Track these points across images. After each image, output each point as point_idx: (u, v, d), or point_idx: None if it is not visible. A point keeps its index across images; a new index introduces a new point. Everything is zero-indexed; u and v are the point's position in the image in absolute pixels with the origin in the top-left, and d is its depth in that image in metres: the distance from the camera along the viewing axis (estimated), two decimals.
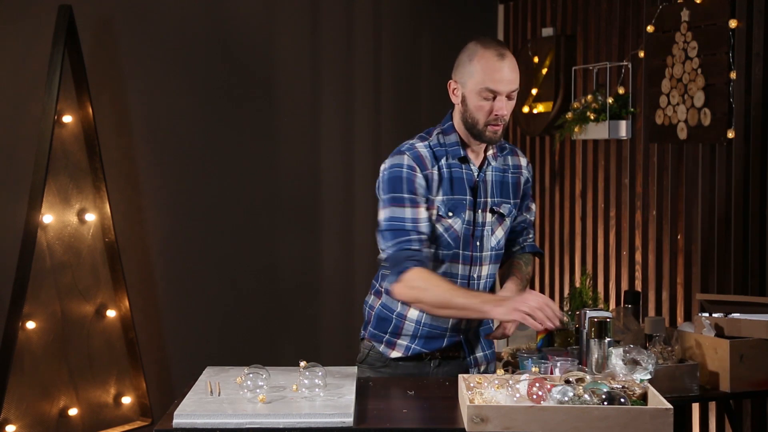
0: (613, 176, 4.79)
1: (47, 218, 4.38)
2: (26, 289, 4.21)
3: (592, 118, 4.65)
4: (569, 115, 4.82)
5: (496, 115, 2.87)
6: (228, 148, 5.13)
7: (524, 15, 5.55)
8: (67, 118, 4.46)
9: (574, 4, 5.10)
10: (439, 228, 2.95)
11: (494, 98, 2.87)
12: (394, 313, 3.04)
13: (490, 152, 3.02)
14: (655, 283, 4.50)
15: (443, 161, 2.95)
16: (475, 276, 3.01)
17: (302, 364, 2.74)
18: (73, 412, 4.49)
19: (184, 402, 2.59)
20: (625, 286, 4.69)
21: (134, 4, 4.88)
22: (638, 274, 4.61)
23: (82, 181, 4.53)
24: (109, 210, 4.57)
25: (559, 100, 5.07)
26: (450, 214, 2.94)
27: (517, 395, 2.53)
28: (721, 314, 3.55)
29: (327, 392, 2.67)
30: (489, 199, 3.00)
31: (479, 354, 3.08)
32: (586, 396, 2.46)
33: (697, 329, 3.55)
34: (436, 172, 2.93)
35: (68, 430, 4.49)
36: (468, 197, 2.96)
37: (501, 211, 3.01)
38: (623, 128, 4.61)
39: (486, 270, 3.03)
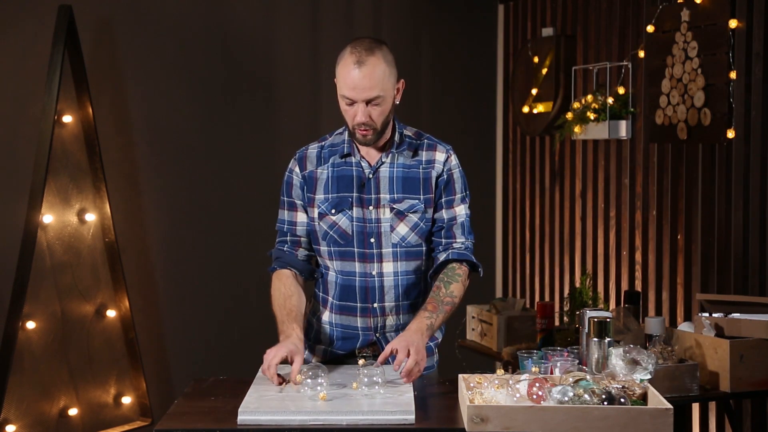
0: (613, 176, 4.79)
1: (47, 218, 4.38)
2: (26, 289, 4.22)
3: (592, 118, 4.65)
4: (569, 115, 4.81)
5: (358, 121, 2.88)
6: (228, 148, 5.13)
7: (524, 15, 5.54)
8: (67, 118, 4.46)
9: (574, 4, 5.09)
10: (324, 225, 2.96)
11: (353, 104, 2.88)
12: (315, 317, 3.06)
13: (385, 150, 2.97)
14: (655, 283, 4.50)
15: (332, 160, 2.98)
16: (375, 273, 2.94)
17: (360, 362, 2.78)
18: (73, 412, 4.49)
19: (247, 399, 2.58)
20: (625, 286, 4.69)
21: (134, 4, 4.88)
22: (638, 274, 4.60)
23: (82, 181, 4.53)
24: (109, 210, 4.57)
25: (559, 100, 5.06)
26: (333, 211, 2.95)
27: (517, 395, 2.53)
28: (721, 314, 3.55)
29: (386, 390, 2.67)
30: (384, 195, 2.95)
31: None
32: (586, 396, 2.46)
33: (697, 329, 3.55)
34: (322, 171, 2.98)
35: (68, 430, 4.49)
36: (354, 194, 2.95)
37: (399, 207, 2.95)
38: (623, 128, 4.61)
39: (391, 267, 2.96)
